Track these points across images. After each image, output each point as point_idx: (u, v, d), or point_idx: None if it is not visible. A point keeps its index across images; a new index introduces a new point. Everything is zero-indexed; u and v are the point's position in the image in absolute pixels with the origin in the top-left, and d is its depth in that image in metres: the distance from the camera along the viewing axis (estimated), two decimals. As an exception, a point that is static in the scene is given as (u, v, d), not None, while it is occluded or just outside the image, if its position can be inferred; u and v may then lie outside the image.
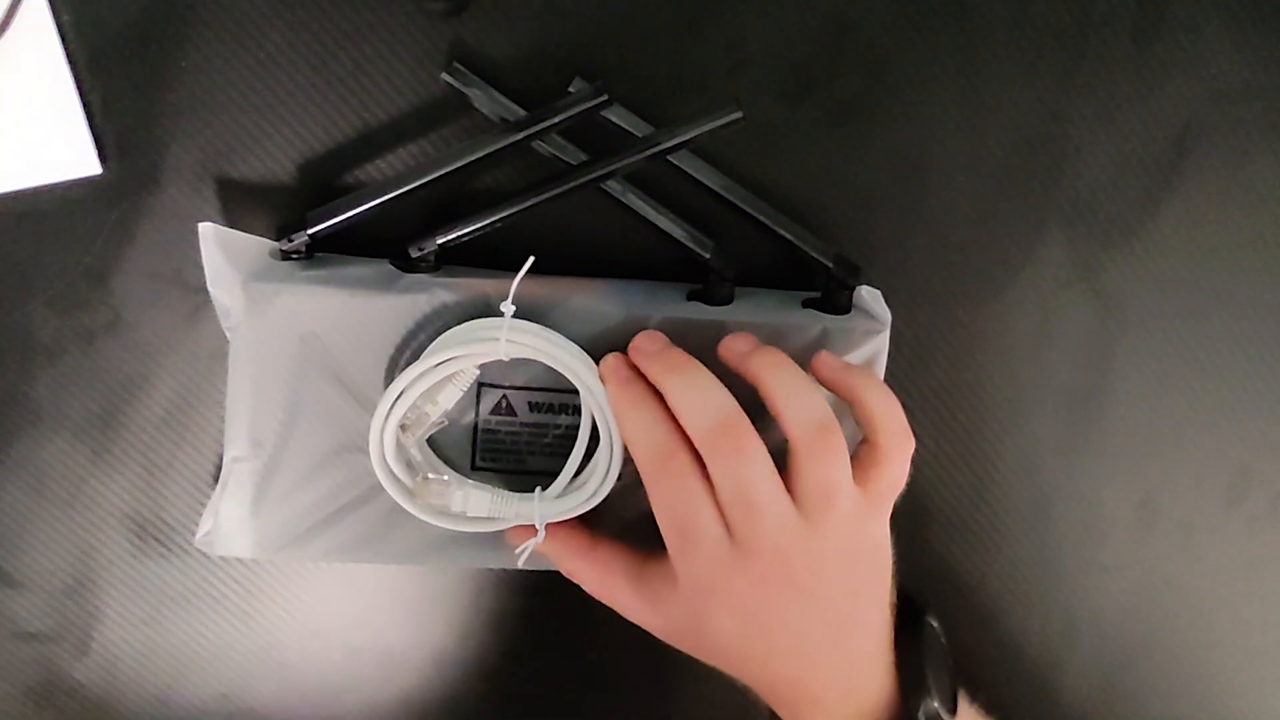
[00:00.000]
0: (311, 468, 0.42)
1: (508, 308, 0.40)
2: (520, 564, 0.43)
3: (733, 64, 0.44)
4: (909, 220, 0.46)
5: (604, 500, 0.41)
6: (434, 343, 0.41)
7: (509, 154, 0.41)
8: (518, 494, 0.42)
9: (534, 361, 0.41)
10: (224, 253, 0.41)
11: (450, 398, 0.41)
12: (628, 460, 0.40)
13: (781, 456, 0.37)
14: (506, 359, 0.40)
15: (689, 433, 0.37)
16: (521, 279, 0.39)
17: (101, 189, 0.42)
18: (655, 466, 0.37)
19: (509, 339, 0.40)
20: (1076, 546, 0.52)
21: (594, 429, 0.42)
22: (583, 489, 0.42)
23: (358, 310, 0.41)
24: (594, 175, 0.42)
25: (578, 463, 0.42)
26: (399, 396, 0.40)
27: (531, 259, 0.40)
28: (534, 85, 0.43)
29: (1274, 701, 0.56)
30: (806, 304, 0.45)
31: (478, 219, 0.42)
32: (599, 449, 0.42)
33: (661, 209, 0.44)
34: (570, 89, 0.43)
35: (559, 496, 0.42)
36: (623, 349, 0.39)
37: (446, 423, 0.42)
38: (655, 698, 0.51)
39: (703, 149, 0.44)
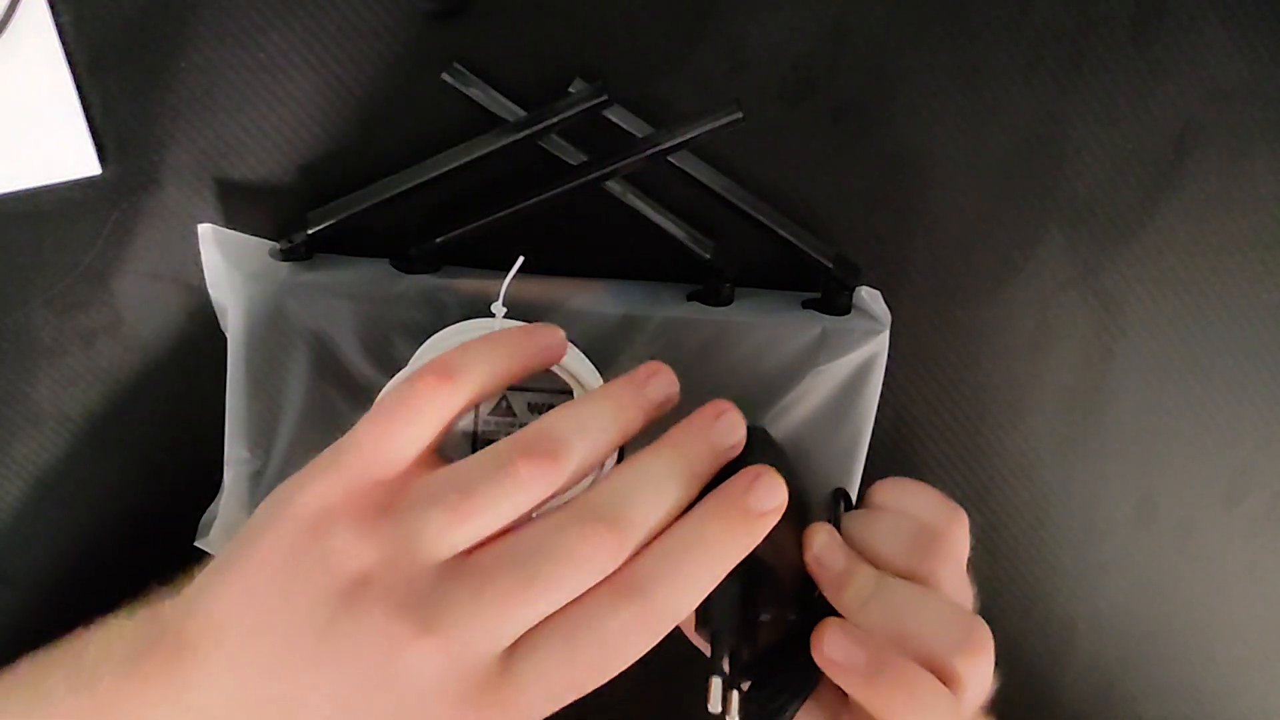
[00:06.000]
0: (311, 468, 0.42)
1: (498, 308, 0.40)
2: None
3: (733, 64, 0.44)
4: (909, 220, 0.46)
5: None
6: (423, 345, 0.41)
7: (509, 154, 0.41)
8: None
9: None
10: (223, 253, 0.41)
11: None
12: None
13: None
14: None
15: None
16: (521, 280, 0.39)
17: (101, 189, 0.42)
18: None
19: None
20: (1076, 546, 0.52)
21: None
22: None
23: (357, 310, 0.41)
24: (594, 175, 0.42)
25: None
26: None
27: (521, 259, 0.39)
28: (534, 85, 0.43)
29: (1273, 702, 0.56)
30: (806, 304, 0.45)
31: (477, 219, 0.42)
32: None
33: (661, 209, 0.44)
34: (570, 89, 0.43)
35: None
36: (622, 349, 0.39)
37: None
38: (654, 697, 0.51)
39: (703, 149, 0.44)
